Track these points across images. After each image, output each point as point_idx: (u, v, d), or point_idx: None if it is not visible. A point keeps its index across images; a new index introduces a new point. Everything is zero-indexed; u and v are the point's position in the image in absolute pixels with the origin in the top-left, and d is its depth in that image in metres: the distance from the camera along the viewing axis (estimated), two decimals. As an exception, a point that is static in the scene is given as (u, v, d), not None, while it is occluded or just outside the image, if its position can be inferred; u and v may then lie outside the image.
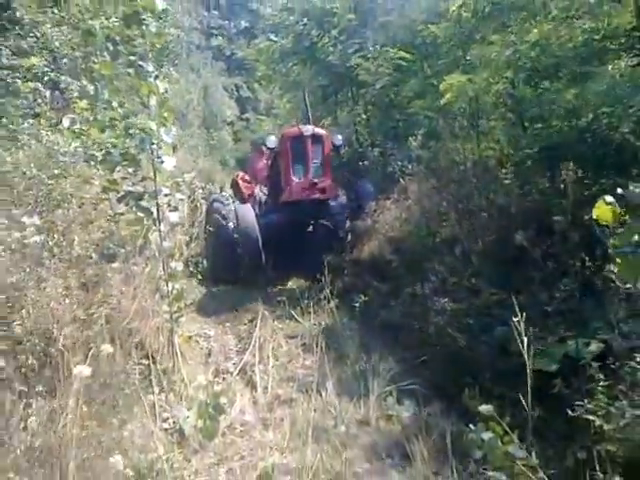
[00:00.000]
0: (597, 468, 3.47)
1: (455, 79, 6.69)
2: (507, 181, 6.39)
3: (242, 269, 8.99)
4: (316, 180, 9.46)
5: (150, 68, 5.14)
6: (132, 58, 5.12)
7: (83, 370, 3.39)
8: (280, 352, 6.58)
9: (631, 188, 2.54)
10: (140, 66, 5.10)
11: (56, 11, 8.99)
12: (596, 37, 5.83)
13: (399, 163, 9.13)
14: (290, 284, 8.08)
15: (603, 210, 2.62)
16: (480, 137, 7.11)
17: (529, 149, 6.09)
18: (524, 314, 5.02)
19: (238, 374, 6.02)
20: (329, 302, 7.11)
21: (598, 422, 3.69)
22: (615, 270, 2.79)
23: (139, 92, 5.13)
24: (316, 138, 9.74)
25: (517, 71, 6.36)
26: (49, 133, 6.47)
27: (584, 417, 3.79)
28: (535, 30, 6.05)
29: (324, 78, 12.69)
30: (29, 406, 3.76)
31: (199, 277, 8.59)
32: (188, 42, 24.33)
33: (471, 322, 5.46)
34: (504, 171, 6.52)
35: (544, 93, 6.27)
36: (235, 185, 11.08)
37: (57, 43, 8.45)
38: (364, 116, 11.62)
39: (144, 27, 5.07)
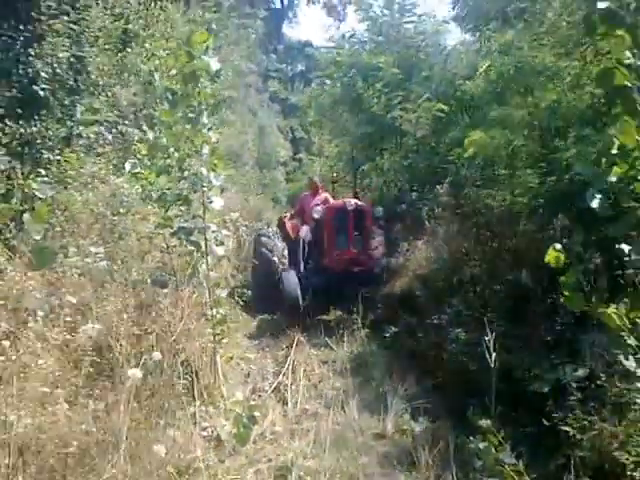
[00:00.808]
0: (572, 472, 4.06)
1: (478, 135, 7.34)
2: (520, 226, 6.96)
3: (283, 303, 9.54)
4: (356, 253, 10.03)
5: (205, 120, 5.97)
6: (189, 112, 5.95)
7: (136, 372, 4.12)
8: (313, 375, 7.22)
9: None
10: (196, 119, 5.93)
11: (125, 75, 9.95)
12: (602, 101, 6.34)
13: (426, 208, 9.72)
14: (326, 317, 8.67)
15: (552, 255, 3.26)
16: (499, 186, 7.70)
17: (539, 199, 6.67)
18: (525, 343, 5.71)
19: (272, 392, 6.69)
20: (361, 332, 7.82)
21: (572, 432, 4.28)
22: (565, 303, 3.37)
23: (194, 141, 5.95)
24: (358, 212, 10.26)
25: (531, 130, 6.96)
26: (114, 177, 7.32)
27: (564, 429, 4.38)
28: (548, 94, 6.66)
29: (369, 126, 13.34)
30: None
31: (242, 305, 9.30)
32: (246, 85, 25.30)
33: (479, 350, 6.06)
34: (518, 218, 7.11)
35: (554, 151, 6.82)
36: (281, 225, 11.57)
37: (125, 102, 9.39)
38: (404, 163, 12.20)
39: (199, 86, 5.90)
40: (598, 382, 4.27)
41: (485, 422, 4.32)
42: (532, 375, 5.33)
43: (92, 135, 9.12)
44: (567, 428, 4.34)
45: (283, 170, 28.27)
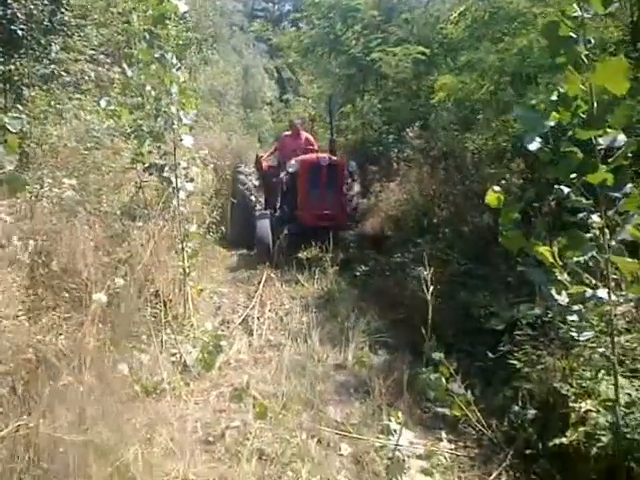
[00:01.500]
0: (519, 403, 4.30)
1: (448, 79, 7.46)
2: (486, 170, 7.13)
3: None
4: (328, 208, 10.05)
5: (174, 60, 6.08)
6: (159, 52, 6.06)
7: (101, 296, 4.32)
8: (281, 309, 7.44)
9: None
10: (164, 59, 6.04)
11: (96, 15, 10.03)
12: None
13: (396, 150, 9.85)
14: (300, 255, 8.86)
15: (492, 197, 3.45)
16: (469, 131, 7.84)
17: (505, 143, 6.82)
18: (486, 282, 5.93)
19: (240, 324, 6.92)
20: (331, 270, 8.05)
21: (520, 366, 4.52)
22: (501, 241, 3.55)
23: (164, 80, 6.07)
24: (332, 167, 10.29)
25: (501, 76, 7.07)
26: (87, 113, 7.45)
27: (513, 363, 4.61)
28: (520, 40, 6.75)
29: (349, 68, 13.37)
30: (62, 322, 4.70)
31: (220, 241, 9.49)
32: (231, 25, 25.06)
33: (439, 288, 6.31)
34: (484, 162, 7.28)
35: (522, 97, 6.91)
36: (258, 163, 11.79)
37: (96, 42, 9.48)
38: (383, 105, 12.23)
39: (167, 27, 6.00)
40: (545, 319, 4.46)
41: (438, 355, 4.52)
42: (490, 313, 5.53)
43: (69, 73, 9.21)
44: (515, 362, 4.56)
45: (269, 110, 28.11)
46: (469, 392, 4.41)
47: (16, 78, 8.32)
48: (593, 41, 3.32)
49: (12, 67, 8.29)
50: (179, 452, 4.12)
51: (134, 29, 6.40)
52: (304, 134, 11.78)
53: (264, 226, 9.93)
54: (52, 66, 8.77)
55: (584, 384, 3.86)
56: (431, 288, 5.25)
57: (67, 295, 4.92)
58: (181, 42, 6.20)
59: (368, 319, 6.71)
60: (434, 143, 8.47)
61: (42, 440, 3.51)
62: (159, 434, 4.29)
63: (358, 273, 8.01)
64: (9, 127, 3.57)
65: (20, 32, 8.65)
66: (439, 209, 7.75)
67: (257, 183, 11.48)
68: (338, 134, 12.75)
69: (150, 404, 4.74)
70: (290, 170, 10.60)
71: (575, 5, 3.20)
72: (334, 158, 10.66)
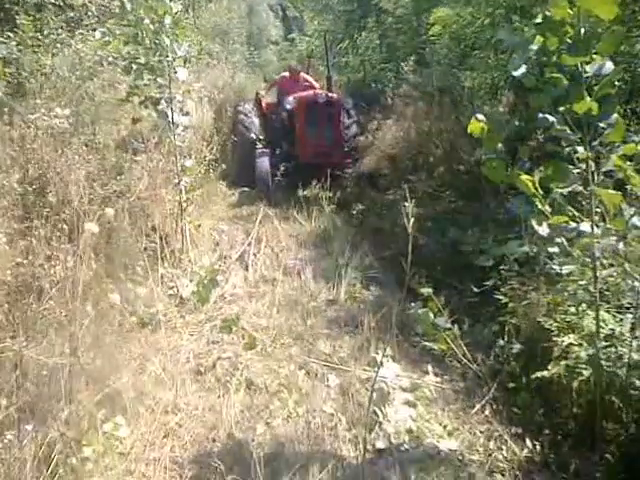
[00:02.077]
0: (505, 338, 4.37)
1: (443, 11, 7.35)
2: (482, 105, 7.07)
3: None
4: (327, 145, 10.05)
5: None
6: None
7: (92, 226, 4.36)
8: (278, 246, 7.49)
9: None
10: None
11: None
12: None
13: (390, 85, 9.75)
14: (299, 193, 8.87)
15: (475, 126, 3.42)
16: (461, 66, 7.76)
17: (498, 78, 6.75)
18: (476, 219, 5.94)
19: (237, 259, 6.99)
20: (328, 208, 8.05)
21: (506, 301, 4.56)
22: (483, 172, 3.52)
23: (157, 12, 6.01)
24: (329, 104, 10.21)
25: (495, 9, 6.95)
26: (80, 43, 7.38)
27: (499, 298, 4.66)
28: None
29: (349, 4, 13.15)
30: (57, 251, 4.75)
31: (222, 179, 9.51)
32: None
33: (430, 224, 6.39)
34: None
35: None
36: (258, 102, 11.65)
37: None
38: (378, 42, 12.08)
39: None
40: (531, 254, 4.48)
41: (426, 290, 4.57)
42: (479, 250, 5.56)
43: (73, 9, 9.12)
44: (501, 297, 4.60)
45: (275, 50, 27.71)
46: (456, 327, 4.46)
47: (7, 6, 8.20)
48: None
49: None
50: (170, 381, 4.24)
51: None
52: (303, 76, 11.64)
53: (264, 164, 9.92)
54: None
55: (568, 319, 3.90)
56: (417, 224, 5.32)
57: (60, 225, 4.95)
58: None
59: (362, 256, 6.78)
60: (429, 79, 8.38)
61: (29, 363, 3.60)
62: (152, 364, 4.39)
63: (354, 212, 8.00)
64: None
65: None
66: (434, 146, 7.71)
67: (257, 121, 11.37)
68: (338, 72, 12.60)
69: (145, 335, 4.85)
70: (287, 107, 10.61)
71: None
72: (331, 95, 10.58)
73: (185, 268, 6.26)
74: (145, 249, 5.87)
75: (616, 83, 3.33)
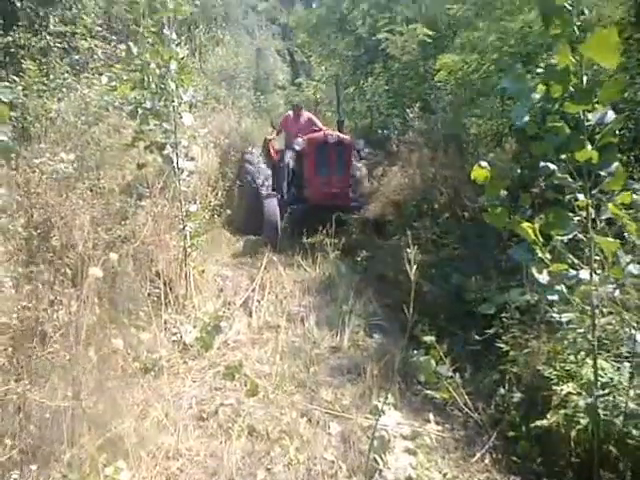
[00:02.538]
0: (505, 386, 4.38)
1: (449, 58, 7.45)
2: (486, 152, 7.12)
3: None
4: (337, 187, 10.04)
5: (173, 36, 6.11)
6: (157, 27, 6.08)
7: (96, 272, 4.38)
8: (282, 292, 7.48)
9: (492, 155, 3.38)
10: (163, 34, 6.07)
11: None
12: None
13: (397, 132, 9.83)
14: (304, 240, 8.89)
15: (479, 173, 3.46)
16: (469, 111, 7.84)
17: (502, 125, 6.82)
18: (480, 266, 5.94)
19: (241, 306, 6.98)
20: (333, 254, 8.07)
21: (506, 349, 4.55)
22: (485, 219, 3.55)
23: (162, 56, 6.10)
24: (340, 145, 10.19)
25: (501, 55, 7.05)
26: (84, 87, 7.48)
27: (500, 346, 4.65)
28: (520, 19, 6.73)
29: (355, 49, 13.33)
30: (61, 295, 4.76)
31: (224, 225, 9.54)
32: (243, 4, 24.96)
33: (433, 271, 6.40)
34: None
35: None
36: (266, 147, 11.70)
37: (93, 14, 9.53)
38: (386, 87, 12.21)
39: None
40: (532, 301, 4.48)
41: (429, 338, 4.58)
42: (482, 297, 5.56)
43: (79, 52, 9.28)
44: (502, 345, 4.60)
45: (282, 94, 27.99)
46: (458, 375, 4.47)
47: (12, 50, 8.39)
48: (588, 12, 3.30)
49: (10, 39, 8.36)
50: (172, 427, 4.22)
51: (138, 5, 6.40)
52: (306, 114, 11.69)
53: (272, 205, 9.88)
54: (49, 39, 8.80)
55: (567, 367, 3.90)
56: (420, 270, 5.32)
57: (64, 270, 4.99)
58: (180, 17, 6.14)
59: (365, 303, 6.80)
60: (435, 125, 8.47)
61: (32, 406, 3.61)
62: (154, 409, 4.38)
63: (359, 258, 8.01)
64: (0, 97, 3.65)
65: (18, 3, 8.70)
66: (439, 193, 7.76)
67: (265, 168, 11.42)
68: (346, 117, 12.70)
69: (147, 381, 4.84)
70: (297, 148, 10.50)
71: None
72: (342, 136, 10.54)
73: (189, 314, 6.26)
74: (149, 294, 5.88)
75: (620, 130, 3.35)
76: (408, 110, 9.46)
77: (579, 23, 3.21)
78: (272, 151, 11.52)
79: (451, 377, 4.45)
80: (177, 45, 6.22)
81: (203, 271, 7.04)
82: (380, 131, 11.88)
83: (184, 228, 6.47)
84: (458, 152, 7.76)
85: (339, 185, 10.11)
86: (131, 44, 6.67)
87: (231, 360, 5.45)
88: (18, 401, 3.58)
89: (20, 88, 6.74)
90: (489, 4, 8.00)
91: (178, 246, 6.57)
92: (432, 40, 11.09)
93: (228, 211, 9.58)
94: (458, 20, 10.26)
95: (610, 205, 3.18)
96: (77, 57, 9.31)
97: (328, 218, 8.76)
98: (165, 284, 6.12)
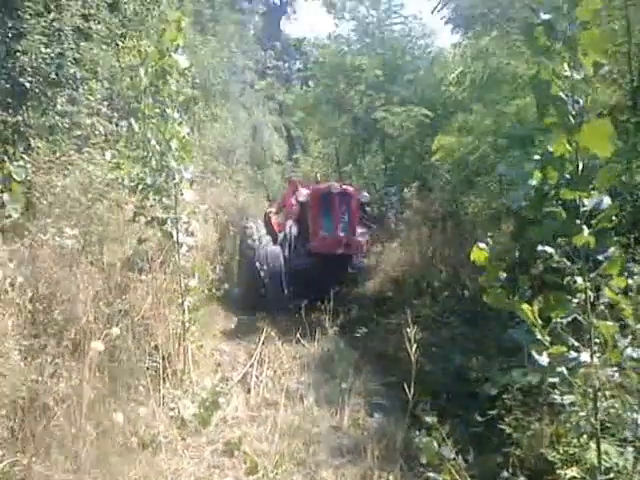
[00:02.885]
0: (509, 469, 4.33)
1: (445, 139, 7.64)
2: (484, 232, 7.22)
3: (266, 300, 9.83)
4: (342, 236, 10.02)
5: (175, 115, 6.28)
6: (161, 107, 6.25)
7: (98, 345, 4.41)
8: (280, 368, 7.47)
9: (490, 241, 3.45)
10: (165, 113, 6.24)
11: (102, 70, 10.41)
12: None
13: (394, 210, 9.99)
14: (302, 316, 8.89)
15: (478, 254, 3.53)
16: (464, 193, 8.00)
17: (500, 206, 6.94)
18: (481, 346, 5.96)
19: (239, 382, 6.96)
20: (331, 330, 8.06)
21: (509, 431, 4.54)
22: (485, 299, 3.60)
23: (164, 134, 6.25)
24: (344, 195, 10.30)
25: (497, 138, 7.23)
26: (92, 165, 7.66)
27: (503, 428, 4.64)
28: (517, 102, 6.93)
29: (353, 128, 13.63)
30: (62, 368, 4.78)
31: (222, 298, 9.57)
32: (241, 81, 25.47)
33: (434, 350, 6.42)
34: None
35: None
36: (267, 220, 11.78)
37: (99, 95, 9.85)
38: (383, 166, 12.44)
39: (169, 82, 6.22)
40: (534, 383, 4.49)
41: (431, 419, 4.56)
42: (484, 377, 5.55)
43: (80, 127, 9.51)
44: (505, 427, 4.58)
45: (279, 169, 28.34)
46: (460, 457, 4.42)
47: (23, 129, 8.65)
48: (582, 102, 3.41)
49: (19, 118, 8.63)
50: (171, 504, 4.17)
51: (140, 84, 6.59)
52: (302, 188, 11.68)
53: (276, 260, 9.95)
54: (57, 118, 9.08)
55: (571, 451, 3.88)
56: (421, 349, 5.36)
57: (66, 343, 5.02)
58: (182, 97, 6.32)
59: (365, 381, 6.77)
60: (433, 205, 8.63)
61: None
62: (153, 487, 4.34)
63: (358, 334, 8.03)
64: (15, 175, 3.79)
65: (28, 84, 9.01)
66: (438, 271, 7.84)
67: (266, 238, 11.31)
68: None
69: (146, 457, 4.81)
70: (301, 199, 10.59)
71: (566, 65, 3.30)
72: (345, 186, 10.67)
73: (187, 389, 6.23)
74: (147, 368, 5.88)
75: (620, 213, 3.42)
76: (406, 189, 9.61)
77: (574, 113, 3.32)
78: (273, 223, 11.63)
79: (454, 459, 4.38)
80: (179, 124, 6.36)
81: (201, 346, 7.04)
82: (377, 209, 12.01)
83: (183, 302, 6.50)
84: (456, 231, 7.87)
85: (344, 233, 10.11)
86: (132, 121, 6.85)
87: (229, 437, 5.42)
88: (22, 473, 3.57)
89: (29, 165, 6.90)
90: (484, 87, 8.25)
91: (177, 320, 6.59)
92: (429, 120, 11.32)
93: (226, 285, 9.61)
94: (454, 101, 10.56)
95: (606, 289, 3.24)
96: (79, 133, 9.53)
97: (334, 273, 8.98)
98: (164, 358, 6.12)
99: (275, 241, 10.94)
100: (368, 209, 11.19)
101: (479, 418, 4.87)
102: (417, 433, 4.60)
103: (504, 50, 8.37)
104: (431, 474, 4.57)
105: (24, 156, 7.39)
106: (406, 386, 4.94)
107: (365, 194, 11.11)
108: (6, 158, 7.50)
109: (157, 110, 6.26)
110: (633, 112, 6.80)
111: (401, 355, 6.68)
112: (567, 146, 3.29)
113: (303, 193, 10.65)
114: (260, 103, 29.44)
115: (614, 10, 6.95)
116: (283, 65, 37.13)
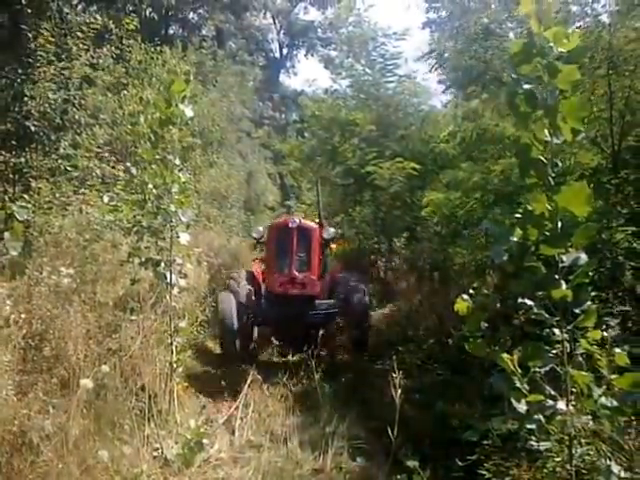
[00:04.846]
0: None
1: (434, 195, 7.89)
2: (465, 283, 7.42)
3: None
4: (297, 274, 9.27)
5: (176, 162, 6.46)
6: (163, 153, 6.44)
7: (87, 382, 4.50)
8: (265, 410, 7.52)
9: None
10: (167, 160, 6.42)
11: (105, 116, 10.72)
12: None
13: (384, 259, 10.17)
14: (292, 358, 8.94)
15: (461, 304, 3.68)
16: (451, 245, 8.22)
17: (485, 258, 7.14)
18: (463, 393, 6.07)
19: (224, 423, 7.01)
20: (316, 375, 8.13)
21: (488, 476, 4.63)
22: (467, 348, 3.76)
23: (165, 179, 6.42)
24: (303, 230, 9.61)
25: (484, 194, 7.48)
26: (90, 207, 7.86)
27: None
28: (503, 161, 7.18)
29: (345, 178, 13.93)
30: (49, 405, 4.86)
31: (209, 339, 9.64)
32: (238, 130, 25.89)
33: (418, 397, 6.53)
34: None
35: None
36: (249, 272, 10.59)
37: (101, 140, 10.12)
38: (372, 216, 12.69)
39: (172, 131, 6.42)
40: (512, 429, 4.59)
41: (412, 462, 4.67)
42: (465, 424, 5.64)
43: (77, 168, 9.75)
44: (484, 472, 4.67)
45: (271, 214, 28.61)
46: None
47: (25, 170, 8.92)
48: (560, 165, 3.60)
49: (22, 160, 8.89)
50: None
51: (140, 130, 6.79)
52: None
53: (226, 305, 9.08)
54: (60, 161, 9.36)
55: (548, 497, 3.98)
56: (405, 395, 5.46)
57: (55, 380, 5.10)
58: (184, 145, 6.52)
59: (349, 425, 6.80)
60: (420, 255, 8.83)
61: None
62: (135, 529, 4.38)
63: (343, 379, 8.10)
64: (16, 215, 3.94)
65: (33, 128, 9.36)
66: (424, 319, 7.99)
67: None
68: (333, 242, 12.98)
69: (129, 497, 4.85)
70: (255, 235, 10.15)
71: (546, 131, 3.50)
72: (305, 221, 10.13)
73: (171, 429, 6.28)
74: (133, 408, 5.93)
75: (599, 269, 3.57)
76: (395, 239, 9.82)
77: (553, 175, 3.51)
78: (255, 271, 10.58)
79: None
80: (180, 170, 6.54)
81: (187, 387, 7.11)
82: (366, 257, 12.20)
83: (172, 343, 6.58)
84: (443, 281, 8.05)
85: (302, 272, 9.36)
86: (129, 165, 7.05)
87: (212, 478, 5.47)
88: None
89: (30, 206, 7.10)
90: (473, 146, 8.54)
91: (165, 360, 6.66)
92: (418, 174, 11.57)
93: (215, 327, 9.67)
94: (444, 157, 10.85)
95: (583, 341, 3.38)
96: (76, 174, 9.76)
97: (294, 318, 8.60)
98: (150, 398, 6.16)
99: (258, 292, 9.94)
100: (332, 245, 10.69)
101: (459, 463, 4.95)
102: (398, 477, 4.70)
103: (493, 112, 8.66)
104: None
105: (24, 196, 7.62)
106: (389, 431, 5.03)
107: (330, 229, 10.57)
108: (6, 198, 7.76)
109: (157, 156, 6.42)
110: (614, 174, 7.06)
111: (386, 400, 6.79)
112: (546, 205, 3.47)
113: (258, 229, 10.26)
114: (256, 151, 29.92)
115: (598, 78, 7.26)
116: (280, 116, 37.91)
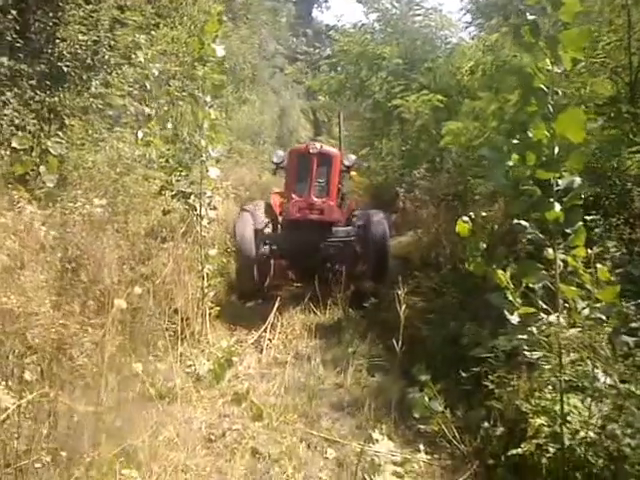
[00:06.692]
0: (490, 421, 4.79)
1: (453, 125, 8.06)
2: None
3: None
4: (316, 200, 9.08)
5: (207, 99, 6.73)
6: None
7: (121, 303, 4.88)
8: (292, 334, 7.92)
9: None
10: (198, 96, 6.70)
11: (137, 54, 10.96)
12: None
13: (402, 190, 10.35)
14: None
15: (462, 226, 3.97)
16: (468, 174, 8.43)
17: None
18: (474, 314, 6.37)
19: (253, 343, 7.44)
20: (343, 301, 8.47)
21: (492, 387, 4.97)
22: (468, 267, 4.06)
23: (197, 116, 6.71)
24: (323, 156, 9.39)
25: (501, 123, 7.61)
26: (122, 143, 8.21)
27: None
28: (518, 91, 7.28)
29: (373, 112, 14.06)
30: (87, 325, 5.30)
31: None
32: (271, 65, 25.95)
33: (433, 318, 6.87)
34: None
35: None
36: (267, 204, 10.00)
37: (131, 79, 10.39)
38: (402, 148, 12.85)
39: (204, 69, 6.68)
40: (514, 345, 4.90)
41: (425, 377, 5.03)
42: (475, 342, 5.97)
43: (112, 106, 10.10)
44: (489, 384, 5.02)
45: (303, 149, 28.61)
46: (449, 411, 4.88)
47: (59, 109, 9.30)
48: (561, 93, 3.83)
49: (56, 99, 9.29)
50: (182, 445, 4.64)
51: (172, 69, 7.07)
52: None
53: (246, 232, 8.54)
54: (92, 100, 9.70)
55: (542, 403, 4.31)
56: (421, 316, 5.78)
57: (92, 302, 5.51)
58: (215, 83, 6.75)
59: (370, 345, 7.19)
60: (439, 185, 9.03)
61: (60, 414, 4.10)
62: (167, 430, 4.81)
63: (366, 305, 8.43)
64: (51, 150, 4.29)
65: (65, 69, 9.75)
66: (442, 247, 8.27)
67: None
68: (361, 175, 13.16)
69: (162, 405, 5.27)
70: (275, 160, 9.95)
71: (547, 61, 3.73)
72: (327, 147, 9.98)
73: (203, 349, 6.70)
74: (167, 329, 6.30)
75: (610, 196, 3.82)
76: (415, 171, 10.01)
77: (552, 103, 3.74)
78: (274, 204, 10.04)
79: (442, 412, 4.85)
80: (210, 107, 6.79)
81: (219, 310, 7.51)
82: (393, 190, 12.38)
83: (202, 270, 6.97)
84: (460, 209, 8.27)
85: (320, 198, 9.18)
86: (162, 102, 7.34)
87: (239, 390, 5.91)
88: (49, 406, 4.05)
89: (64, 142, 7.45)
90: (493, 77, 8.65)
91: (196, 286, 7.06)
92: (444, 106, 11.68)
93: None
94: (468, 89, 10.96)
95: (569, 258, 3.67)
96: (111, 112, 10.11)
97: (311, 244, 8.61)
98: (182, 320, 6.52)
99: (275, 224, 9.77)
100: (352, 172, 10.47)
101: (465, 375, 5.30)
102: (411, 390, 5.08)
103: (512, 44, 8.72)
104: (421, 425, 5.07)
105: (59, 133, 7.98)
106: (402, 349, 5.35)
107: (351, 156, 10.42)
108: (42, 135, 8.15)
109: (188, 93, 6.71)
110: (631, 103, 7.17)
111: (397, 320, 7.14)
112: (545, 132, 3.72)
113: (279, 153, 9.99)
114: (289, 87, 29.94)
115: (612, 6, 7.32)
116: (313, 51, 37.62)
